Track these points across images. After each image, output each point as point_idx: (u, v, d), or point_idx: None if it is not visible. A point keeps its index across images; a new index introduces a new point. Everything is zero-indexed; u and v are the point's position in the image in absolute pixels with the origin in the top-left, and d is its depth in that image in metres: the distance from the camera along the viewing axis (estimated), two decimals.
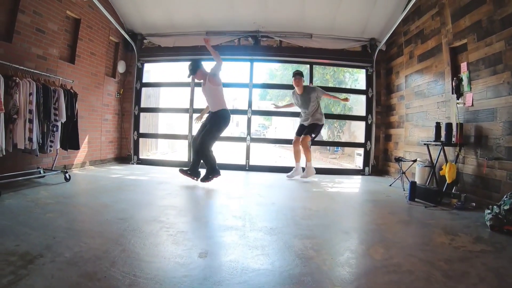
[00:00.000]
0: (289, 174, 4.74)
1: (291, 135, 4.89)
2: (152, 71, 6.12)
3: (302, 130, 4.68)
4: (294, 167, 4.75)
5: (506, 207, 2.41)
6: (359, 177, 5.31)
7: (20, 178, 3.28)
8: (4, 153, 2.98)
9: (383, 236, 2.22)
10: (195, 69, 3.89)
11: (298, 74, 4.61)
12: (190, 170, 3.91)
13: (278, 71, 14.61)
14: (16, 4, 3.52)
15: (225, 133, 4.20)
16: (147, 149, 6.58)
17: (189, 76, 4.00)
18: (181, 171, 3.94)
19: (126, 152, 5.79)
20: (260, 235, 2.12)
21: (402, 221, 2.71)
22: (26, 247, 1.70)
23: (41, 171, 3.72)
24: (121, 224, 2.20)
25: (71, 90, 3.89)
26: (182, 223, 2.28)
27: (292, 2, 4.92)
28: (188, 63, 3.96)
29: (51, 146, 3.56)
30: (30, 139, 3.21)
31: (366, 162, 5.52)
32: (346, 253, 1.89)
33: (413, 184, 3.53)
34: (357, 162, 7.04)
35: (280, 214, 2.71)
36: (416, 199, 3.43)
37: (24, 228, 2.00)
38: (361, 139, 5.64)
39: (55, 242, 1.80)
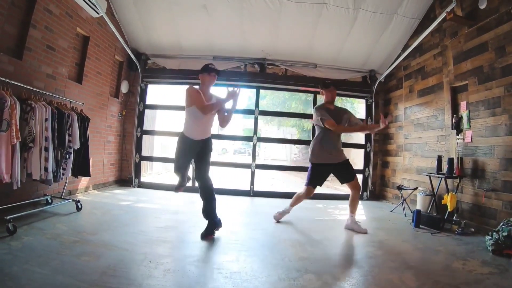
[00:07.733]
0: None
1: (283, 157, 4.78)
2: (151, 91, 5.94)
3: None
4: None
5: (504, 234, 2.75)
6: (359, 202, 5.47)
7: (33, 210, 3.06)
8: (20, 185, 2.78)
9: (409, 265, 2.43)
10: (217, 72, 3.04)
11: (333, 85, 3.47)
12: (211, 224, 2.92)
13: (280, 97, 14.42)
14: (29, 17, 3.29)
15: (229, 159, 4.08)
16: (144, 170, 6.37)
17: (206, 72, 2.94)
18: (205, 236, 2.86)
19: (127, 175, 5.58)
20: (304, 270, 2.19)
21: (418, 248, 2.91)
22: None
23: (49, 199, 3.50)
24: (167, 265, 2.14)
25: (82, 113, 3.74)
26: (228, 262, 2.26)
27: (302, 35, 5.07)
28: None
29: (63, 174, 3.37)
30: (46, 169, 3.02)
31: (364, 187, 5.70)
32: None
33: (418, 212, 3.82)
34: None
35: (312, 247, 2.79)
36: (420, 226, 3.71)
37: (67, 278, 1.82)
38: (359, 165, 5.86)
39: None
